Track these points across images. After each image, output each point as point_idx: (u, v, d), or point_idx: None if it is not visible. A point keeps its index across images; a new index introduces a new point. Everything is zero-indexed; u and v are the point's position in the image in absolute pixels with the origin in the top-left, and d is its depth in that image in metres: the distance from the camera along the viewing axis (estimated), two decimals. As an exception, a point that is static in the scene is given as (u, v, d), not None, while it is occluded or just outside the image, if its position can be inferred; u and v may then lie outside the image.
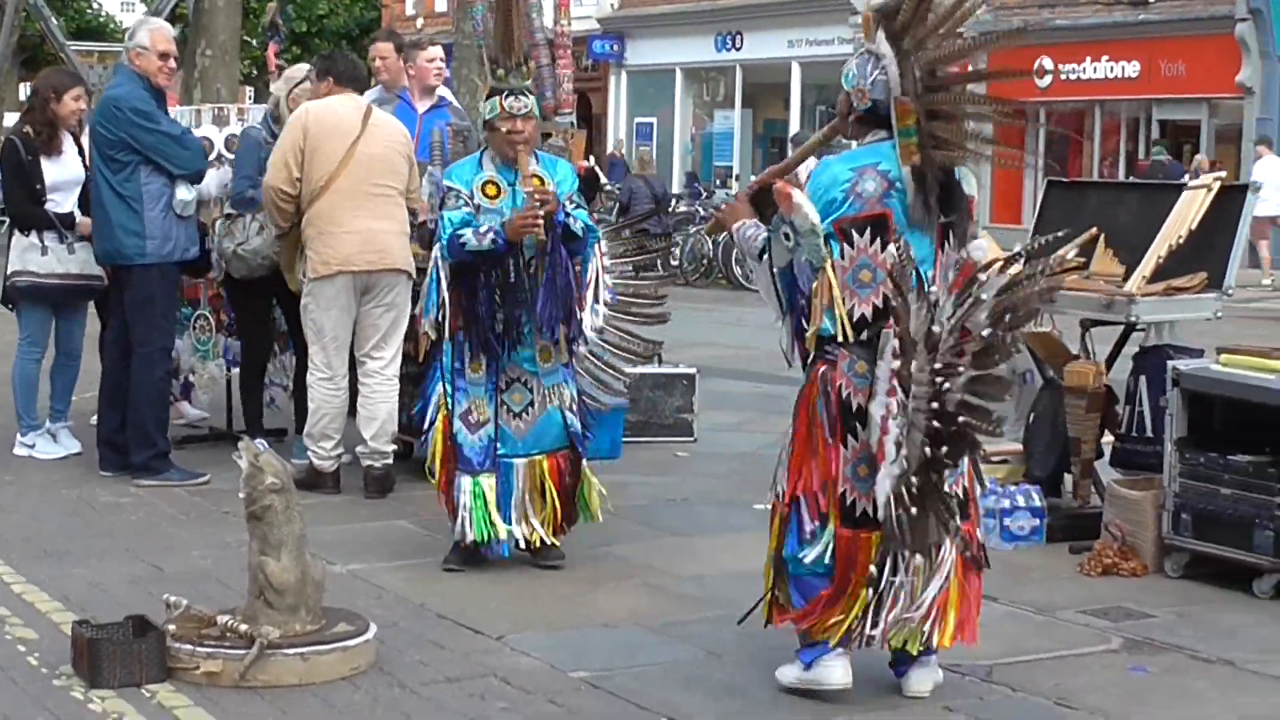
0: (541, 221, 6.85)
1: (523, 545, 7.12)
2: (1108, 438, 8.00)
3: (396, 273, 8.49)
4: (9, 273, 9.38)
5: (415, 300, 8.67)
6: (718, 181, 33.06)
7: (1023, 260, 5.32)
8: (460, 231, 6.87)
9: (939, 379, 5.19)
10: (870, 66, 5.46)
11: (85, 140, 9.18)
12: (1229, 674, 5.98)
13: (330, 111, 8.52)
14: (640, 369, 10.24)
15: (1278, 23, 26.73)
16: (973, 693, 5.70)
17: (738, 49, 36.47)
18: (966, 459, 5.37)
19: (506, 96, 6.99)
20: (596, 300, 7.63)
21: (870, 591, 5.39)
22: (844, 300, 5.36)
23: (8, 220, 9.69)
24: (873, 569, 5.38)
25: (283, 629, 5.66)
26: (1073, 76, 29.84)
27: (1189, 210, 7.76)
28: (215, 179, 9.50)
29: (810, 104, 35.51)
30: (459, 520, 7.04)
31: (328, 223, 8.37)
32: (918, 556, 5.36)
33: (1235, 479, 6.96)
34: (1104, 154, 29.78)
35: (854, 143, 5.65)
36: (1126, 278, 7.75)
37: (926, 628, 5.45)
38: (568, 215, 6.96)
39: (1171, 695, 5.74)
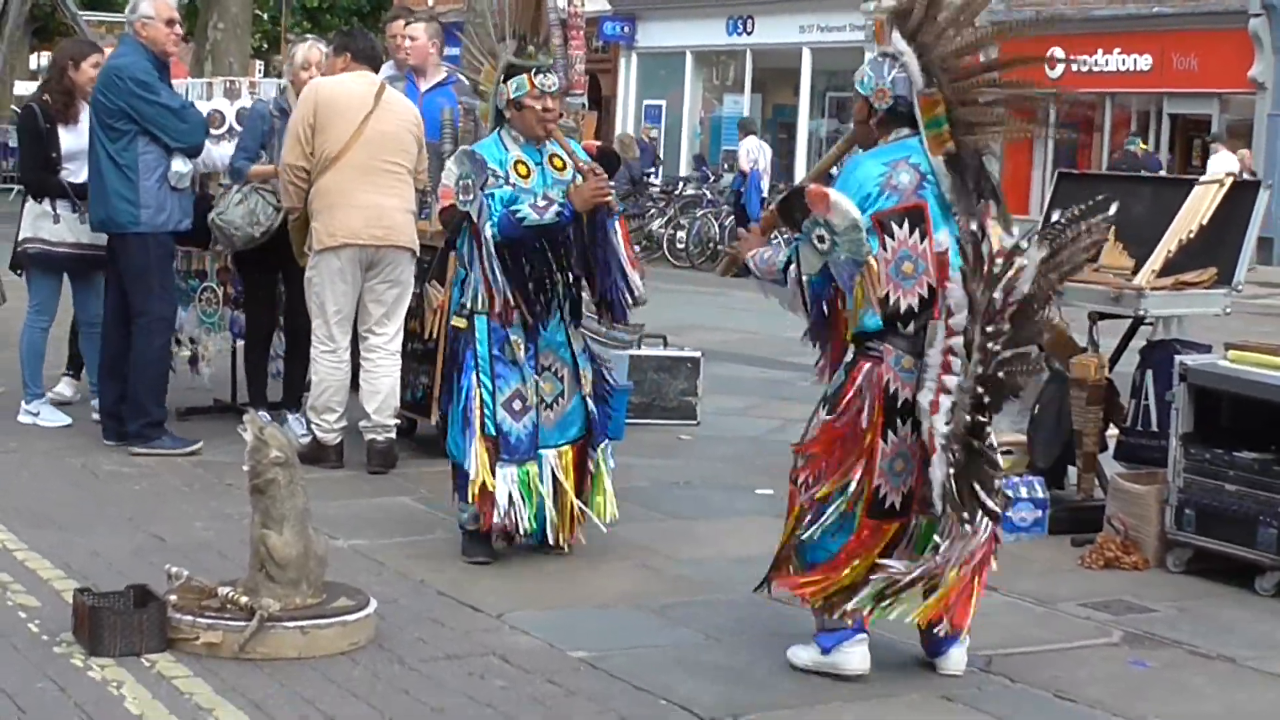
0: (611, 190, 6.88)
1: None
2: (1112, 431, 8.00)
3: (402, 249, 8.50)
4: (20, 239, 9.39)
5: (420, 278, 8.69)
6: (725, 165, 33.00)
7: (1061, 227, 5.35)
8: (516, 208, 6.70)
9: (989, 344, 5.24)
10: (887, 67, 5.56)
11: None
12: (1228, 670, 5.98)
13: (342, 87, 8.52)
14: (645, 351, 10.27)
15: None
16: (971, 683, 5.69)
17: (749, 33, 36.40)
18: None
19: (536, 74, 6.84)
20: None
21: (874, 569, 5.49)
22: (889, 292, 5.40)
23: (20, 188, 9.66)
24: (893, 565, 5.46)
25: (283, 602, 5.66)
26: (1084, 68, 29.78)
27: (1200, 205, 7.76)
28: (228, 151, 9.50)
29: (820, 90, 35.46)
30: (500, 511, 6.78)
31: (336, 196, 8.36)
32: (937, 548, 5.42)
33: (1240, 475, 6.95)
34: (1114, 146, 29.70)
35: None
36: (1136, 271, 7.74)
37: (947, 612, 5.56)
38: None
39: (1170, 690, 5.74)
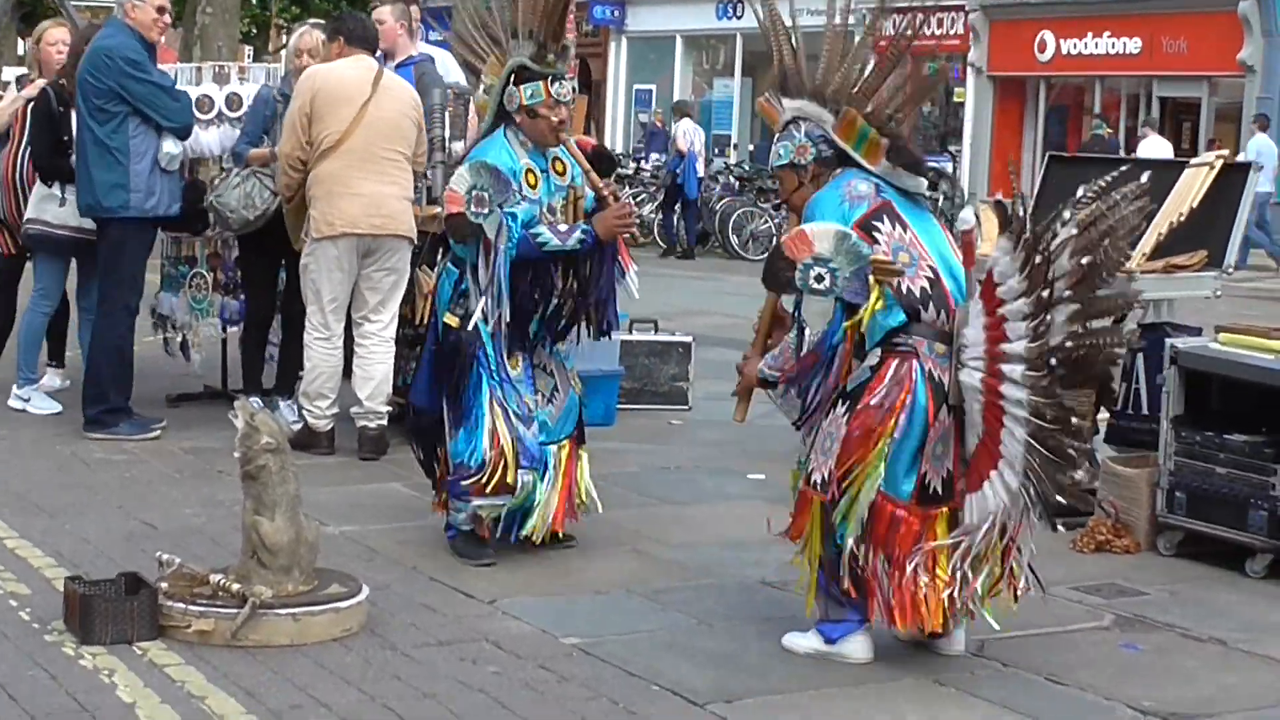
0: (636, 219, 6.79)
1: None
2: (1103, 414, 7.99)
3: (399, 238, 8.47)
4: (25, 220, 9.39)
5: (410, 263, 8.66)
6: (716, 150, 32.97)
7: (1092, 197, 5.37)
8: (536, 231, 6.53)
9: (1050, 311, 5.24)
10: (793, 130, 5.83)
11: None
12: (1220, 653, 5.98)
13: (337, 75, 8.47)
14: (636, 336, 10.27)
15: (1280, 2, 26.68)
16: (963, 667, 5.70)
17: (738, 17, 36.31)
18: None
19: (553, 82, 6.66)
20: None
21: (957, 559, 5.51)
22: (898, 281, 5.46)
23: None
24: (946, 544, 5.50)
25: (275, 589, 5.66)
26: (1074, 52, 29.77)
27: (1190, 188, 7.76)
28: (216, 137, 9.48)
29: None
30: (517, 517, 6.72)
31: (334, 183, 8.33)
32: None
33: (1231, 458, 6.96)
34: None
35: None
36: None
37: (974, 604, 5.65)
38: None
39: (1162, 673, 5.75)
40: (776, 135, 5.93)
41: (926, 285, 5.51)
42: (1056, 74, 30.59)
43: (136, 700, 5.10)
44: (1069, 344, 5.22)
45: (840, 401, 5.58)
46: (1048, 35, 30.00)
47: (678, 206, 24.87)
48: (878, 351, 5.52)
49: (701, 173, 25.28)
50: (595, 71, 39.18)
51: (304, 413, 8.67)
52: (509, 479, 6.59)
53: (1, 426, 9.08)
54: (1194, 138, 27.95)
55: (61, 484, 7.88)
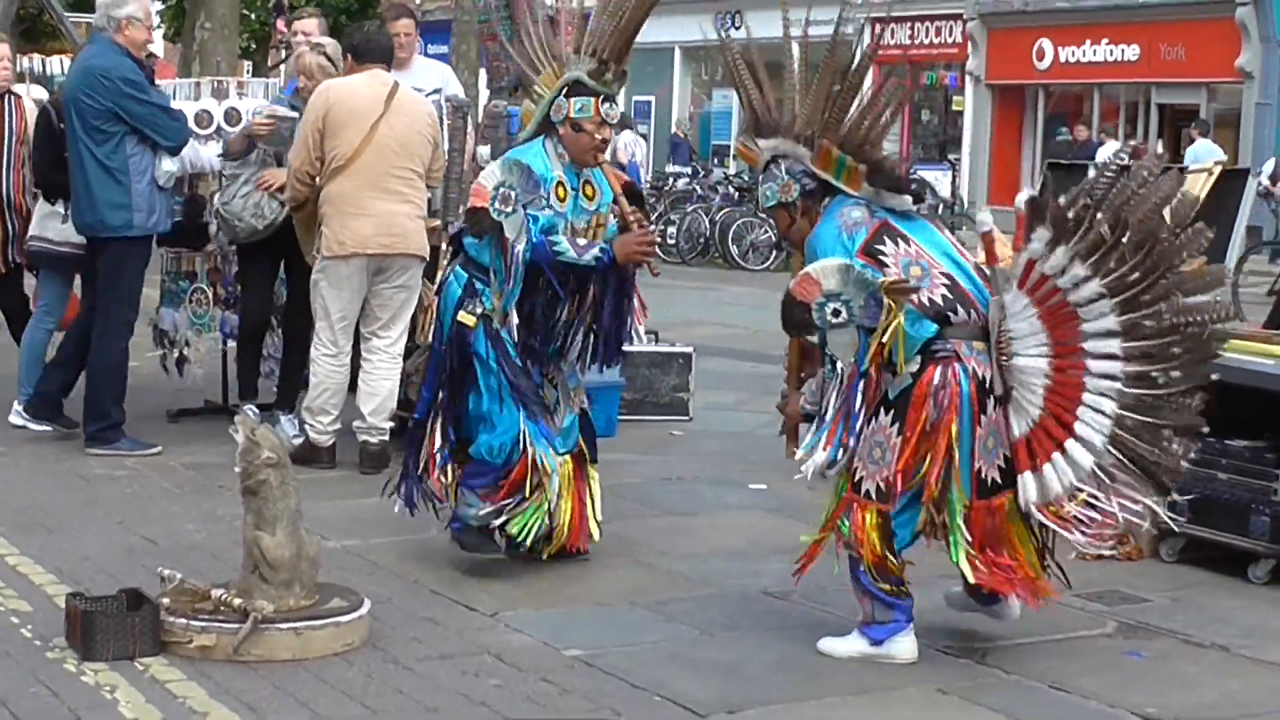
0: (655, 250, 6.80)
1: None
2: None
3: (411, 256, 8.46)
4: (27, 237, 9.41)
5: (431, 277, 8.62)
6: (715, 160, 32.98)
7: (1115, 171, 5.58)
8: (555, 239, 6.51)
9: (1118, 273, 5.46)
10: (774, 170, 5.99)
11: None
12: (1222, 659, 5.98)
13: (350, 91, 8.44)
14: (637, 347, 10.26)
15: (1278, 7, 26.68)
16: (966, 675, 5.70)
17: (737, 28, 36.29)
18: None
19: (604, 101, 6.64)
20: None
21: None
22: (917, 298, 5.61)
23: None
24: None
25: (277, 604, 5.65)
26: (1072, 59, 29.81)
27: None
28: (215, 151, 9.48)
29: (809, 84, 35.32)
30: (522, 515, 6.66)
31: (346, 203, 8.30)
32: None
33: (1232, 464, 6.96)
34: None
35: None
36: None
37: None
38: None
39: (1165, 679, 5.74)
40: (760, 177, 6.09)
41: (946, 292, 5.64)
42: (1055, 82, 30.66)
43: (138, 716, 5.09)
44: (1169, 316, 5.46)
45: (884, 410, 5.67)
46: (1046, 43, 30.07)
47: None
48: (918, 359, 5.62)
49: (643, 183, 25.36)
50: (594, 83, 39.20)
51: (306, 427, 8.66)
52: (531, 481, 6.57)
53: (1, 443, 9.08)
54: (1187, 144, 27.94)
55: (62, 500, 7.88)
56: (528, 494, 6.61)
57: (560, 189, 6.61)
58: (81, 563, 6.78)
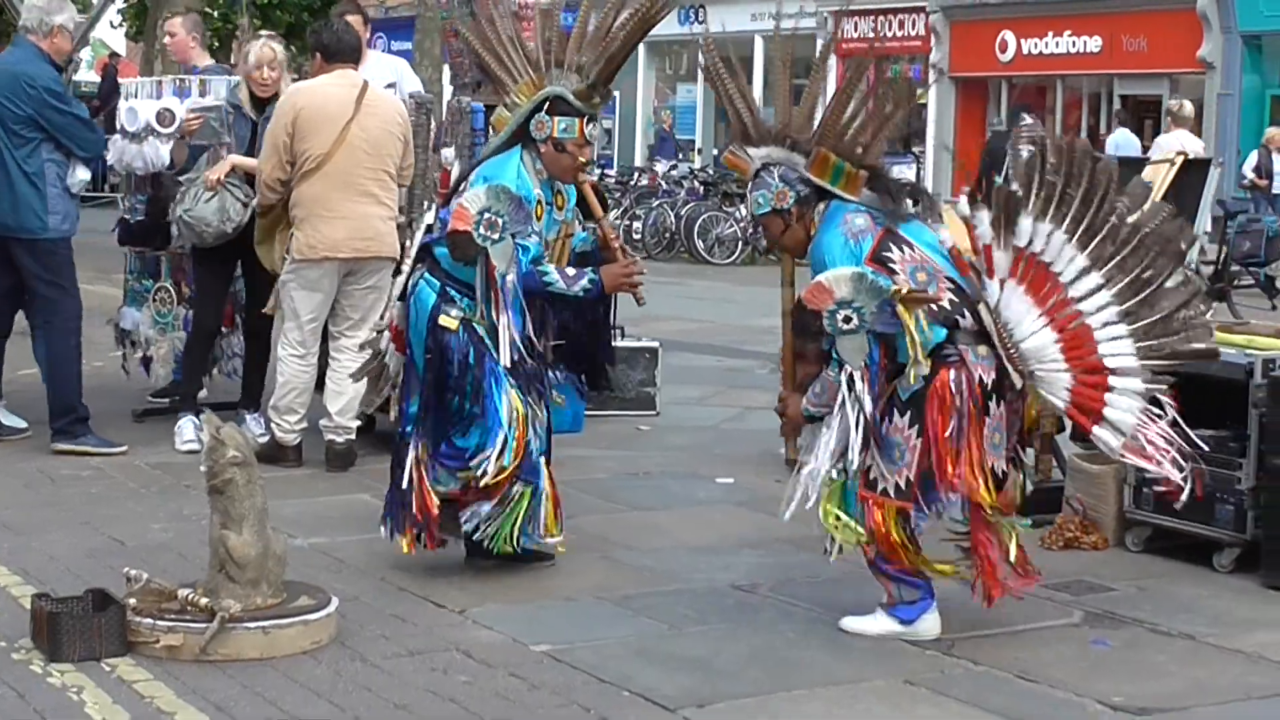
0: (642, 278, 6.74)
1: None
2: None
3: (382, 259, 8.42)
4: None
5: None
6: (680, 155, 32.98)
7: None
8: (544, 269, 6.43)
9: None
10: (766, 177, 6.04)
11: None
12: (1189, 647, 6.01)
13: (321, 93, 8.40)
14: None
15: (1240, -1, 26.80)
16: (934, 666, 5.71)
17: (700, 22, 36.36)
18: None
19: (589, 122, 6.57)
20: None
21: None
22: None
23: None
24: None
25: (244, 603, 5.64)
26: (1034, 51, 29.86)
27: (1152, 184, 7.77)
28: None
29: (774, 79, 35.39)
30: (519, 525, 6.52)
31: (317, 205, 8.27)
32: None
33: (1197, 453, 6.96)
34: (1065, 129, 29.79)
35: None
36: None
37: None
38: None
39: (1132, 668, 5.77)
40: (750, 185, 6.12)
41: (953, 296, 5.79)
42: (1018, 74, 30.68)
43: (105, 717, 5.08)
44: (1125, 229, 5.75)
45: (897, 412, 5.78)
46: (1008, 35, 30.10)
47: None
48: (927, 363, 5.73)
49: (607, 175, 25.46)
50: (559, 78, 39.17)
51: (272, 426, 8.63)
52: (507, 488, 6.42)
53: (-35, 445, 9.04)
54: (1155, 135, 28.02)
55: (28, 501, 7.84)
56: (508, 500, 6.45)
57: (539, 207, 6.50)
58: (48, 563, 6.75)
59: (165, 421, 9.59)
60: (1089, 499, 7.34)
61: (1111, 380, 5.75)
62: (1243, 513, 6.83)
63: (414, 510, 6.47)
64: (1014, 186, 5.76)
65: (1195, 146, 16.17)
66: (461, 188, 6.54)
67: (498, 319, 6.32)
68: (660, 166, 28.61)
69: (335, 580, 6.45)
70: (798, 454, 6.19)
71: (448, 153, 8.78)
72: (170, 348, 9.85)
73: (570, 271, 6.55)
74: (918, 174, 28.69)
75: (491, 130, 6.97)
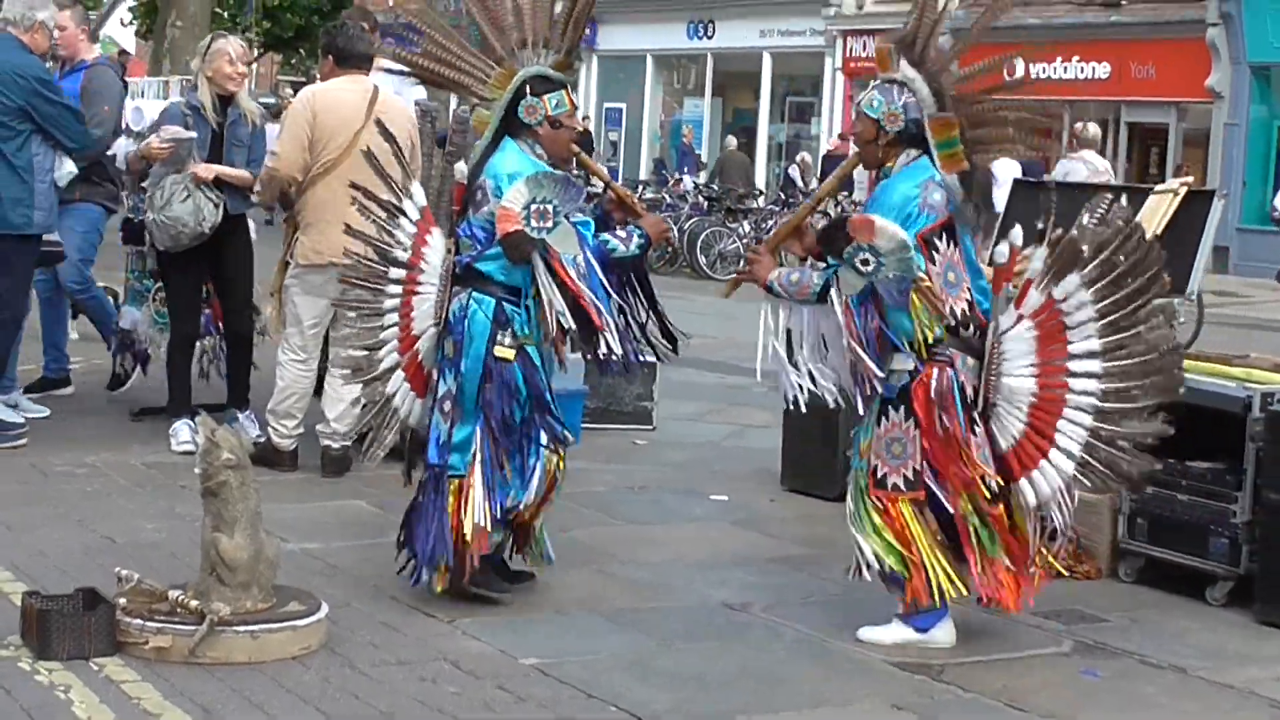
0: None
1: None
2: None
3: None
4: None
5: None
6: (684, 169, 33.03)
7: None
8: (604, 237, 6.32)
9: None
10: (897, 92, 6.01)
11: None
12: (1178, 680, 5.99)
13: (335, 98, 8.43)
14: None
15: (1249, 28, 26.82)
16: (923, 692, 5.70)
17: (709, 37, 36.43)
18: None
19: (571, 91, 6.56)
20: None
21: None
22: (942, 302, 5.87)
23: None
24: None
25: (234, 606, 5.63)
26: (1042, 76, 29.88)
27: (1155, 214, 7.77)
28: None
29: (780, 94, 35.54)
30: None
31: (324, 210, 8.28)
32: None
33: (1192, 485, 6.97)
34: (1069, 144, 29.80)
35: None
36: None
37: None
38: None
39: (1121, 700, 5.75)
40: (875, 82, 6.14)
41: (966, 307, 5.91)
42: (1025, 99, 30.69)
43: (92, 716, 5.07)
44: (1146, 341, 5.79)
45: (891, 409, 5.94)
46: (1017, 61, 30.11)
47: None
48: (914, 358, 5.88)
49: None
50: (566, 89, 39.24)
51: (270, 430, 8.62)
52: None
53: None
54: (1162, 163, 28.07)
55: (20, 496, 7.83)
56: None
57: None
58: (38, 560, 6.74)
59: (161, 421, 9.58)
60: (1083, 527, 7.31)
61: (1051, 453, 5.85)
62: (1237, 546, 6.82)
63: (454, 545, 6.25)
64: (1083, 246, 5.78)
65: (1101, 165, 16.41)
66: (479, 195, 6.42)
67: (580, 299, 6.18)
68: (686, 181, 28.47)
69: (327, 586, 6.44)
70: (729, 294, 6.60)
71: (461, 166, 8.73)
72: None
73: (621, 233, 6.48)
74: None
75: (475, 134, 6.80)
